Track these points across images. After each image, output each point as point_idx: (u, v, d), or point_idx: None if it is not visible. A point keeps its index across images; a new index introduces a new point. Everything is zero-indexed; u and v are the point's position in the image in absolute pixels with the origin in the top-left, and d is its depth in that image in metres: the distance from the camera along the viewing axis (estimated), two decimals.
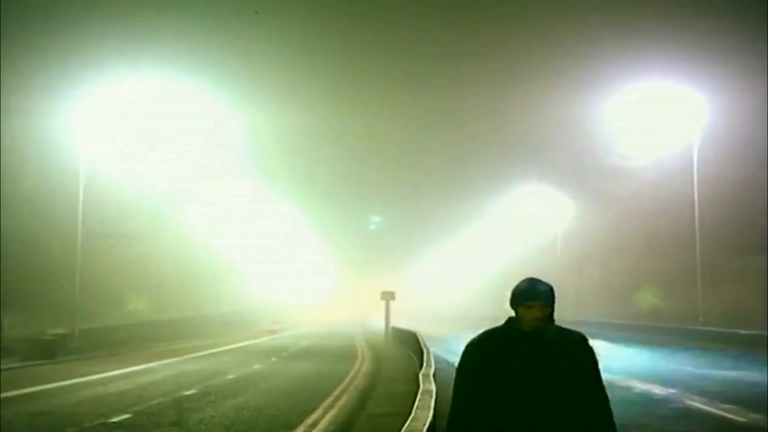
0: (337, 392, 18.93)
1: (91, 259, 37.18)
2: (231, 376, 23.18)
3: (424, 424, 8.30)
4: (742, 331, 33.47)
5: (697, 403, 15.38)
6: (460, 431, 3.91)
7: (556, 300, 3.89)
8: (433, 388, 11.87)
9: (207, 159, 58.46)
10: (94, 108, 39.28)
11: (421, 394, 11.06)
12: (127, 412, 15.39)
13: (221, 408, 16.09)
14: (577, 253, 59.39)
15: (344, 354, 34.86)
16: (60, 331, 33.27)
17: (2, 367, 25.57)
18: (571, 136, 55.28)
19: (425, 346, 23.46)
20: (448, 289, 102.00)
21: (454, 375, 4.05)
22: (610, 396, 3.92)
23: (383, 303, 56.62)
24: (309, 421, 14.34)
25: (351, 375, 23.94)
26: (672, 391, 17.89)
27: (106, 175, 41.15)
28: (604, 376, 3.94)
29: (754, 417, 14.08)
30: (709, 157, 39.34)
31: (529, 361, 3.76)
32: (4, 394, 18.35)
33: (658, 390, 18.17)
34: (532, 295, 3.82)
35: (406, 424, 8.27)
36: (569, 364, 3.78)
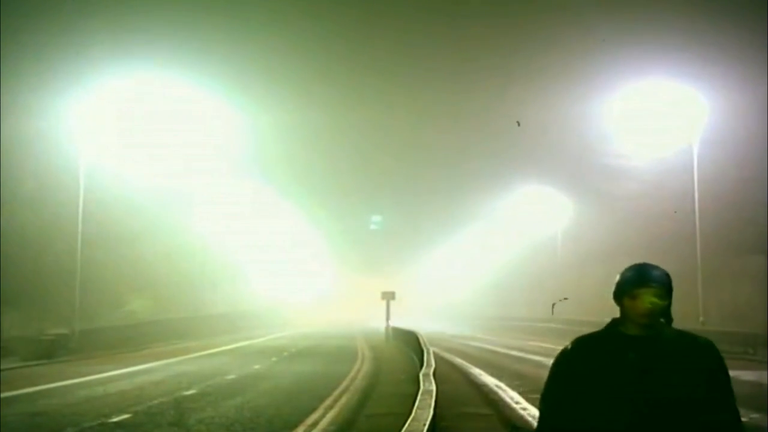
0: (337, 392, 18.92)
1: (91, 259, 37.16)
2: (231, 377, 23.18)
3: (424, 424, 8.29)
4: (742, 331, 33.46)
5: None
6: None
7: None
8: (434, 388, 11.87)
9: (207, 158, 58.42)
10: (94, 107, 39.30)
11: (421, 394, 11.06)
12: (127, 412, 15.38)
13: (221, 408, 16.08)
14: (577, 253, 59.36)
15: (344, 354, 34.86)
16: (60, 331, 33.27)
17: (2, 367, 25.56)
18: (571, 135, 55.25)
19: (425, 345, 23.49)
20: (449, 289, 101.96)
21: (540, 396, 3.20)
22: None
23: (383, 303, 56.71)
24: (309, 421, 14.33)
25: (351, 375, 23.94)
26: None
27: (106, 174, 41.12)
28: None
29: (754, 417, 14.08)
30: (710, 157, 39.33)
31: (639, 377, 2.89)
32: (3, 394, 18.33)
33: None
34: (641, 280, 3.00)
35: (406, 424, 8.26)
36: (694, 381, 2.89)
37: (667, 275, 3.03)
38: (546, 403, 3.09)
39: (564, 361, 3.07)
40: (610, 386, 2.91)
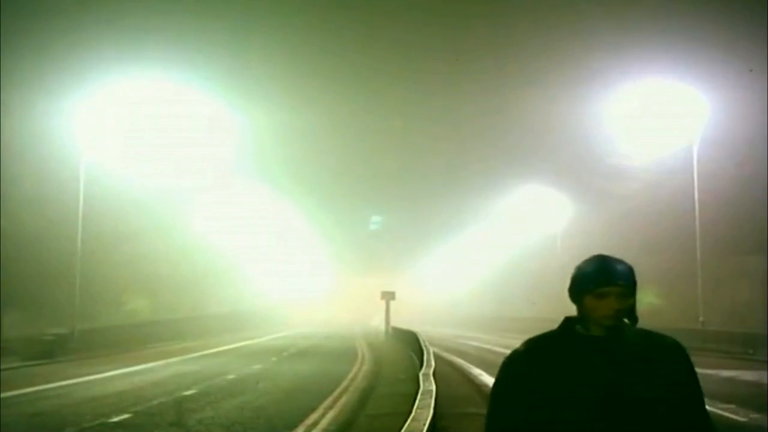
0: (337, 392, 18.93)
1: (91, 259, 37.17)
2: (231, 376, 23.17)
3: (424, 424, 8.29)
4: (742, 331, 33.48)
5: None
6: None
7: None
8: (433, 388, 11.87)
9: (206, 158, 58.45)
10: (95, 107, 39.32)
11: (421, 394, 11.06)
12: (127, 412, 15.37)
13: (221, 408, 16.08)
14: (577, 253, 59.26)
15: (344, 354, 34.87)
16: (60, 331, 33.27)
17: (2, 367, 25.56)
18: (571, 135, 55.27)
19: (425, 345, 23.49)
20: (449, 289, 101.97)
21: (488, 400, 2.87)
22: None
23: (383, 303, 56.75)
24: (309, 421, 14.34)
25: (351, 375, 23.95)
26: None
27: (106, 174, 41.13)
28: None
29: (754, 417, 14.08)
30: (710, 156, 39.34)
31: (601, 382, 2.60)
32: (3, 394, 18.33)
33: None
34: (606, 278, 2.65)
35: (406, 424, 8.26)
36: (660, 384, 2.64)
37: (632, 270, 2.70)
38: (494, 407, 2.74)
39: (516, 363, 2.76)
40: (571, 391, 2.59)
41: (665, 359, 2.70)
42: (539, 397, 2.63)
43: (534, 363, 2.70)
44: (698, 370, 2.83)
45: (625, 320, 2.70)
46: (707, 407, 2.82)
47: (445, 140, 71.68)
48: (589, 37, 48.76)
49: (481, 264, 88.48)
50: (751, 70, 37.20)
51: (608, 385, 2.59)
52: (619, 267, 2.68)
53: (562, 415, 2.59)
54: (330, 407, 16.19)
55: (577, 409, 2.58)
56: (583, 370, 2.62)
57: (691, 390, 2.72)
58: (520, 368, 2.73)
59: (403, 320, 58.45)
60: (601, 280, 2.65)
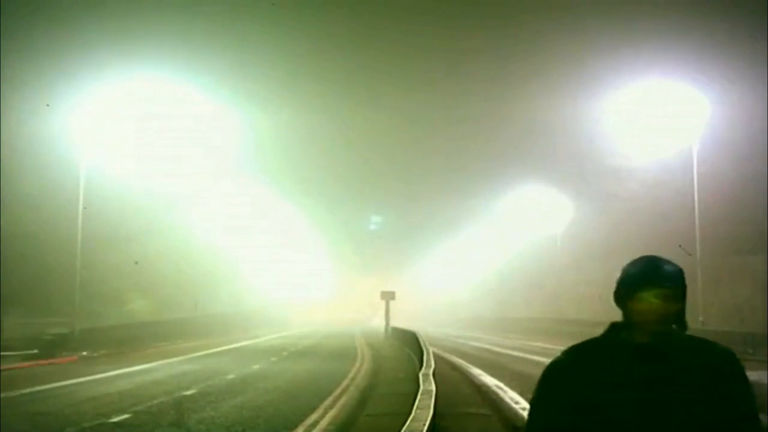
0: (337, 392, 18.93)
1: (91, 259, 37.18)
2: (231, 376, 23.18)
3: (424, 424, 8.30)
4: (742, 331, 33.47)
5: None
6: None
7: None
8: (433, 388, 11.87)
9: (207, 158, 58.47)
10: (94, 107, 39.30)
11: (421, 394, 11.06)
12: (127, 412, 15.37)
13: (221, 408, 16.08)
14: (577, 253, 59.39)
15: (344, 354, 34.88)
16: (60, 331, 33.27)
17: (2, 367, 25.57)
18: (571, 135, 55.29)
19: (425, 345, 23.50)
20: (448, 289, 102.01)
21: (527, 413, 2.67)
22: None
23: (383, 303, 56.76)
24: (309, 421, 14.34)
25: (351, 375, 23.95)
26: None
27: (106, 174, 41.14)
28: None
29: None
30: (709, 157, 39.36)
31: (644, 394, 2.42)
32: (4, 394, 18.34)
33: None
34: (652, 279, 2.47)
35: (406, 424, 8.27)
36: (709, 399, 2.43)
37: (681, 271, 2.51)
38: (534, 416, 2.59)
39: (555, 374, 2.56)
40: (611, 402, 2.42)
41: (716, 371, 2.49)
42: (579, 409, 2.45)
43: (575, 372, 2.51)
44: None
45: (674, 326, 2.51)
46: None
47: (446, 141, 71.73)
48: (589, 37, 48.78)
49: (481, 264, 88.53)
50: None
51: (652, 398, 2.41)
52: (667, 268, 2.50)
53: (602, 427, 2.42)
54: (330, 407, 16.20)
55: (617, 423, 2.41)
56: (626, 380, 2.44)
57: (746, 407, 2.50)
58: (560, 377, 2.55)
59: (402, 320, 58.48)
60: (646, 281, 2.47)
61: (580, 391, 2.46)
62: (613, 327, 2.56)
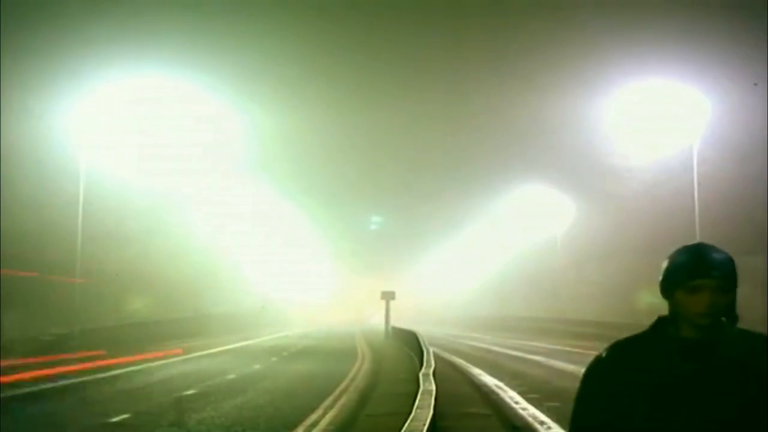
0: (337, 392, 18.94)
1: (91, 259, 37.18)
2: (231, 376, 23.20)
3: (424, 424, 8.31)
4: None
5: None
6: None
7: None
8: (433, 387, 11.88)
9: (207, 158, 58.46)
10: (95, 107, 39.30)
11: (421, 394, 11.07)
12: (127, 412, 15.38)
13: (221, 408, 16.09)
14: (577, 253, 59.40)
15: (344, 354, 34.89)
16: (60, 330, 33.26)
17: (2, 366, 25.54)
18: (571, 135, 55.29)
19: (425, 345, 23.50)
20: (448, 289, 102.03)
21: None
22: None
23: (383, 303, 56.78)
24: (309, 421, 14.35)
25: (351, 375, 23.96)
26: None
27: (106, 174, 41.14)
28: None
29: None
30: (709, 157, 39.35)
31: (692, 392, 2.28)
32: (3, 394, 18.34)
33: None
34: (700, 269, 2.31)
35: (406, 424, 8.27)
36: (760, 398, 2.26)
37: (731, 260, 2.34)
38: (578, 414, 2.42)
39: (598, 372, 2.41)
40: (660, 403, 2.28)
41: None
42: (623, 406, 2.32)
43: (617, 371, 2.37)
44: None
45: (723, 319, 2.35)
46: None
47: (446, 141, 71.74)
48: (589, 37, 48.79)
49: (481, 264, 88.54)
50: (756, 84, 37.22)
51: (699, 397, 2.27)
52: (716, 256, 2.33)
53: (647, 426, 2.28)
54: (330, 407, 16.20)
55: (663, 422, 2.27)
56: (671, 379, 2.30)
57: None
58: (602, 376, 2.39)
59: (402, 320, 58.49)
60: (693, 271, 2.30)
61: (622, 391, 2.33)
62: (659, 321, 2.42)
